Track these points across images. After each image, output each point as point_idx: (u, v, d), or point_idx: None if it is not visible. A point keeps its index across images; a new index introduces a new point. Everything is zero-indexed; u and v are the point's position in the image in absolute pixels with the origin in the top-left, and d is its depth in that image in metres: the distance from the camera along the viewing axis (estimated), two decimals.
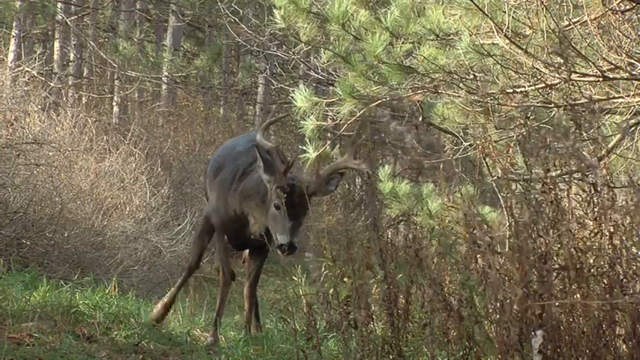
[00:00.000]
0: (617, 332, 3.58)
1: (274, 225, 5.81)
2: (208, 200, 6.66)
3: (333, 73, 9.91)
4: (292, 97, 7.24)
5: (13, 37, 15.55)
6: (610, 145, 6.27)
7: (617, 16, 5.70)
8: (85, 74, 18.14)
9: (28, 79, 12.69)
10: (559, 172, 3.78)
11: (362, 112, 6.83)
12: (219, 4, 15.41)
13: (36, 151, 9.91)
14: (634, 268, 3.65)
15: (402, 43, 6.56)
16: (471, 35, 6.06)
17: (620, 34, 5.73)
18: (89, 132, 12.23)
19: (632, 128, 6.40)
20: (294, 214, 5.70)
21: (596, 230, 3.70)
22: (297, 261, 6.32)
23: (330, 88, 15.39)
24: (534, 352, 3.31)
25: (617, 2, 5.71)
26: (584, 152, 4.02)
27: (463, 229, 3.76)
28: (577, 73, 5.95)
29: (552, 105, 6.22)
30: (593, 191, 3.74)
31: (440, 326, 3.76)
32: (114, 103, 17.59)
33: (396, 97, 6.75)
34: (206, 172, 6.91)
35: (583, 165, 3.78)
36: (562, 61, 5.83)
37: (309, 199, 5.76)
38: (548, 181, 3.71)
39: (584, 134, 4.07)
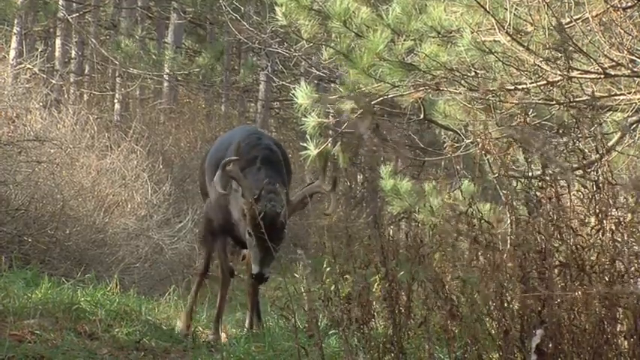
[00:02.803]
0: (618, 329, 3.58)
1: (249, 251, 5.84)
2: (207, 198, 6.62)
3: (335, 70, 9.91)
4: (293, 94, 7.24)
5: (15, 34, 15.54)
6: (611, 143, 6.27)
7: (619, 12, 5.69)
8: (86, 71, 18.14)
9: (30, 77, 12.69)
10: (558, 169, 3.78)
11: (362, 109, 6.83)
12: (220, 1, 15.41)
13: (37, 148, 9.91)
14: (635, 265, 3.64)
15: (404, 40, 6.55)
16: (472, 32, 6.05)
17: (621, 31, 5.72)
18: (90, 129, 12.22)
19: (634, 125, 6.39)
20: (265, 245, 5.58)
21: (597, 227, 3.69)
22: (299, 258, 6.31)
23: (332, 85, 15.41)
24: (531, 351, 3.31)
25: None
26: (585, 149, 4.02)
27: (464, 226, 3.76)
28: (578, 70, 5.95)
29: (553, 102, 6.21)
30: (594, 188, 3.74)
31: (441, 324, 3.76)
32: (115, 101, 17.58)
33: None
34: (202, 167, 6.85)
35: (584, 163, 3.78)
36: (563, 58, 5.82)
37: (282, 227, 5.74)
38: (548, 177, 3.71)
39: (585, 131, 4.06)
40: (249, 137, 6.36)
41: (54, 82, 15.43)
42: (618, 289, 3.46)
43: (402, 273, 3.98)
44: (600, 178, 3.74)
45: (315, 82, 15.71)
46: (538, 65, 5.96)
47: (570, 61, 5.90)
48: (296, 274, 4.99)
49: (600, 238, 3.68)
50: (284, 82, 17.87)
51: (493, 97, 6.26)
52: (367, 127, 3.31)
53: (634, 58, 5.74)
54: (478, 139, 3.81)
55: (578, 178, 3.87)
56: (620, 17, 5.70)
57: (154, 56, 17.00)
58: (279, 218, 5.72)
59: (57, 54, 16.62)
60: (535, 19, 5.84)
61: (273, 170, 6.09)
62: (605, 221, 3.69)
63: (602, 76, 5.88)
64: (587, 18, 5.73)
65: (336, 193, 6.01)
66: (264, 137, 6.54)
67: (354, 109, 6.87)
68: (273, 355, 5.35)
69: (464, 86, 6.39)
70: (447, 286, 3.76)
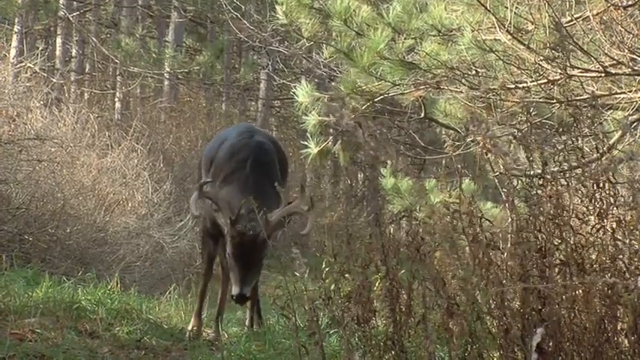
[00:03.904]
0: (618, 327, 3.58)
1: (230, 273, 5.80)
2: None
3: (335, 69, 9.91)
4: (294, 92, 7.24)
5: (16, 33, 15.55)
6: (612, 141, 6.27)
7: (620, 11, 5.69)
8: (87, 70, 18.14)
9: (31, 75, 12.69)
10: (558, 168, 3.79)
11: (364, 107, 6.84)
12: (221, 0, 15.41)
13: (38, 147, 9.92)
14: (636, 263, 3.65)
15: (404, 39, 6.55)
16: (473, 31, 6.06)
17: (622, 29, 5.72)
18: (91, 128, 12.23)
19: (634, 124, 6.39)
20: (245, 265, 5.63)
21: (598, 226, 3.70)
22: (295, 257, 6.30)
23: (333, 83, 15.40)
24: (532, 349, 3.31)
25: None
26: (585, 148, 4.02)
27: (463, 224, 3.76)
28: (578, 68, 5.95)
29: (554, 101, 6.22)
30: (595, 187, 3.74)
31: (441, 322, 3.76)
32: (116, 99, 17.59)
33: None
34: (199, 166, 6.83)
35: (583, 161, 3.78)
36: (563, 56, 5.82)
37: (263, 247, 5.69)
38: (549, 175, 3.71)
39: (586, 130, 4.07)
40: (241, 136, 6.30)
41: (54, 80, 15.43)
42: (618, 282, 3.46)
43: (402, 272, 3.98)
44: (600, 176, 3.74)
45: (316, 80, 15.71)
46: (539, 64, 5.97)
47: (571, 60, 5.90)
48: (297, 273, 4.99)
49: (601, 237, 3.68)
50: (284, 81, 17.89)
51: (494, 95, 6.27)
52: (364, 127, 3.31)
53: (634, 56, 5.74)
54: (479, 138, 3.81)
55: (578, 176, 3.87)
56: (621, 16, 5.70)
57: (154, 55, 17.00)
58: (258, 239, 5.66)
59: (57, 53, 16.63)
60: (536, 17, 5.84)
61: (263, 172, 6.02)
62: (605, 220, 3.69)
63: (603, 74, 5.88)
64: (588, 16, 5.74)
65: (313, 213, 5.93)
66: (256, 135, 6.44)
67: (354, 108, 6.87)
68: (274, 354, 5.35)
69: (465, 85, 6.40)
70: (447, 285, 3.76)
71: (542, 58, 5.92)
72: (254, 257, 5.68)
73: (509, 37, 5.86)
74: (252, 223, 5.64)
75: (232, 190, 5.96)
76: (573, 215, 3.72)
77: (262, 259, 5.84)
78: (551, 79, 6.06)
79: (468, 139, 6.76)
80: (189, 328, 6.15)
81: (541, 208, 3.71)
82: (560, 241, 3.67)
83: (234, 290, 5.66)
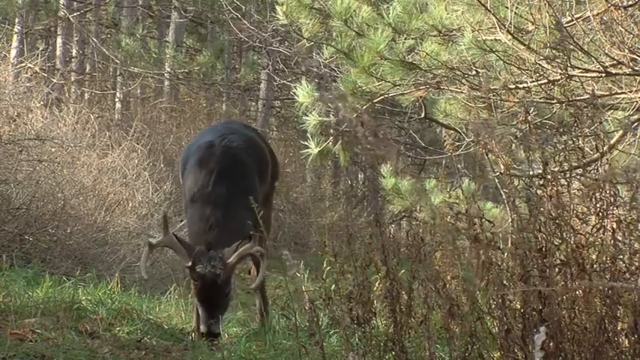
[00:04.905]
0: (619, 327, 3.58)
1: (198, 308, 5.81)
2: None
3: (336, 69, 9.91)
4: (294, 92, 7.24)
5: (16, 33, 15.55)
6: (612, 141, 6.27)
7: (620, 11, 5.69)
8: (87, 70, 18.14)
9: (31, 76, 12.70)
10: (558, 168, 3.79)
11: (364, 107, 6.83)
12: (221, 0, 15.41)
13: (38, 147, 9.91)
14: (636, 263, 3.65)
15: (405, 39, 6.56)
16: (473, 31, 6.06)
17: (622, 29, 5.72)
18: (91, 128, 12.23)
19: (635, 124, 6.40)
20: (210, 304, 5.65)
21: (598, 226, 3.70)
22: (300, 257, 6.33)
23: (333, 84, 15.40)
24: (536, 348, 3.31)
25: None
26: (585, 148, 4.02)
27: (464, 224, 3.76)
28: (579, 68, 5.95)
29: (554, 101, 6.22)
30: (595, 187, 3.74)
31: (442, 323, 3.76)
32: (116, 99, 17.59)
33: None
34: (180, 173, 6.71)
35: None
36: (564, 56, 5.82)
37: (225, 285, 5.68)
38: (549, 176, 3.72)
39: (586, 130, 4.07)
40: (212, 141, 6.15)
41: (55, 80, 15.43)
42: (619, 285, 3.46)
43: (402, 272, 3.99)
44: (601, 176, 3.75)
45: (316, 80, 15.72)
46: (539, 64, 5.97)
47: (571, 60, 5.90)
48: (297, 274, 4.99)
49: (601, 237, 3.68)
50: (285, 81, 17.88)
51: (494, 95, 6.27)
52: (364, 122, 3.31)
53: (635, 56, 5.74)
54: (479, 138, 3.81)
55: (578, 176, 3.87)
56: (621, 16, 5.70)
57: (154, 55, 16.99)
58: (219, 278, 5.65)
59: (58, 53, 16.63)
60: (536, 17, 5.84)
61: (231, 183, 5.92)
62: (605, 220, 3.69)
63: (603, 74, 5.88)
64: (588, 17, 5.74)
65: (266, 258, 5.90)
66: (229, 136, 6.23)
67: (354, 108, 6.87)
68: (274, 354, 5.35)
69: (465, 85, 6.40)
70: (447, 285, 3.76)
71: (542, 58, 5.92)
72: (217, 296, 5.69)
73: (509, 37, 5.87)
74: (212, 263, 5.65)
75: (192, 223, 5.94)
76: (574, 215, 3.73)
77: (227, 295, 5.81)
78: (552, 79, 6.06)
79: (470, 140, 6.77)
80: (193, 333, 6.16)
81: (541, 208, 3.71)
82: (560, 241, 3.68)
83: (203, 329, 5.70)
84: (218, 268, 5.64)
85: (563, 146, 3.84)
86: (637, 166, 3.50)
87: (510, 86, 6.14)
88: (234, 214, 5.82)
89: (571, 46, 5.78)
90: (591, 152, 4.22)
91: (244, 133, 6.61)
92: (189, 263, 5.68)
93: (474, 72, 6.33)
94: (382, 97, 6.90)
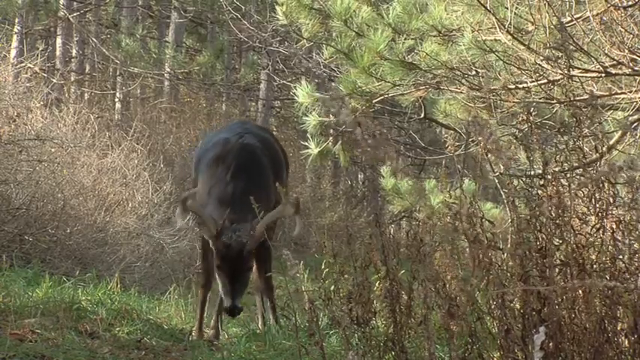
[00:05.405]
0: (618, 327, 3.58)
1: (219, 285, 5.77)
2: None
3: (335, 69, 9.92)
4: (294, 93, 7.24)
5: (16, 33, 15.55)
6: (612, 142, 6.27)
7: (620, 11, 5.69)
8: (87, 70, 18.14)
9: (31, 76, 12.70)
10: (559, 168, 3.79)
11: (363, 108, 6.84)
12: (221, 0, 15.41)
13: (38, 147, 9.91)
14: (636, 263, 3.65)
15: (405, 39, 6.55)
16: (473, 31, 6.06)
17: (622, 30, 5.72)
18: (91, 128, 12.23)
19: (635, 124, 6.40)
20: (234, 276, 5.61)
21: (597, 226, 3.70)
22: (300, 257, 6.33)
23: (333, 84, 15.40)
24: (536, 348, 3.31)
25: None
26: (585, 148, 4.02)
27: (463, 224, 3.76)
28: (579, 68, 5.95)
29: (554, 101, 6.22)
30: (595, 187, 3.74)
31: (441, 323, 3.76)
32: (116, 100, 17.59)
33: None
34: (194, 170, 6.73)
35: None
36: (564, 56, 5.83)
37: (249, 257, 5.68)
38: (549, 176, 3.72)
39: (586, 130, 4.07)
40: (228, 139, 6.20)
41: (55, 81, 15.43)
42: (619, 284, 3.46)
43: (402, 272, 3.98)
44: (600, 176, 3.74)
45: (316, 80, 15.71)
46: (539, 64, 5.97)
47: (571, 60, 5.90)
48: (297, 274, 4.99)
49: (601, 237, 3.68)
50: (285, 81, 17.88)
51: (494, 96, 6.27)
52: (363, 125, 3.31)
53: (635, 56, 5.74)
54: (480, 139, 3.81)
55: (578, 176, 3.87)
56: (621, 16, 5.70)
57: (154, 55, 16.99)
58: (245, 248, 5.65)
59: (58, 53, 16.63)
60: (536, 18, 5.84)
61: (248, 178, 5.96)
62: (605, 220, 3.69)
63: (603, 74, 5.88)
64: (588, 17, 5.74)
65: (300, 215, 5.90)
66: (245, 136, 6.31)
67: (354, 108, 6.87)
68: (274, 354, 5.35)
69: (465, 85, 6.40)
70: (447, 285, 3.76)
71: (542, 58, 5.92)
72: (241, 268, 5.66)
73: (509, 37, 5.87)
74: (238, 233, 5.64)
75: (215, 202, 5.91)
76: (574, 215, 3.73)
77: (250, 269, 5.81)
78: (552, 79, 6.06)
79: (470, 140, 6.77)
80: (193, 335, 6.15)
81: (541, 209, 3.71)
82: (560, 241, 3.68)
83: (227, 302, 5.66)
84: (244, 237, 5.62)
85: (563, 146, 3.84)
86: (632, 164, 3.50)
87: (510, 86, 6.14)
88: (251, 208, 5.80)
89: (571, 47, 5.78)
90: (591, 152, 4.22)
91: (260, 133, 6.69)
92: (215, 232, 5.65)
93: (473, 72, 6.33)
94: (382, 97, 6.90)
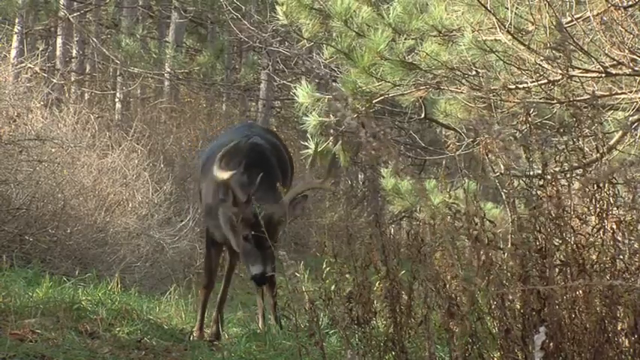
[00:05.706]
0: (619, 327, 3.58)
1: (246, 256, 5.71)
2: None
3: (336, 69, 9.91)
4: (294, 93, 7.24)
5: (16, 33, 15.55)
6: (612, 142, 6.27)
7: (620, 11, 5.69)
8: (87, 70, 18.14)
9: (31, 76, 12.70)
10: (559, 168, 3.79)
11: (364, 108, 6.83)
12: (221, 0, 15.40)
13: (38, 147, 9.91)
14: (636, 263, 3.65)
15: (405, 39, 6.55)
16: (473, 31, 6.05)
17: (622, 30, 5.72)
18: (91, 128, 12.23)
19: (635, 124, 6.40)
20: (263, 245, 5.54)
21: (598, 226, 3.70)
22: (300, 257, 6.33)
23: (333, 84, 15.39)
24: (536, 348, 3.31)
25: None
26: (585, 148, 4.02)
27: (464, 224, 3.76)
28: (579, 68, 5.95)
29: (554, 101, 6.22)
30: (595, 187, 3.74)
31: (442, 323, 3.76)
32: (116, 100, 17.59)
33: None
34: (200, 170, 6.71)
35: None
36: (564, 56, 5.82)
37: (277, 227, 5.67)
38: (549, 176, 3.72)
39: (586, 130, 4.07)
40: (236, 139, 6.20)
41: (55, 81, 15.42)
42: (619, 284, 3.46)
43: (403, 272, 3.99)
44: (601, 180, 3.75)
45: (316, 80, 15.71)
46: (539, 64, 5.97)
47: (571, 60, 5.90)
48: (297, 274, 4.99)
49: (601, 237, 3.68)
50: (285, 81, 17.87)
51: (494, 96, 6.26)
52: (366, 126, 3.31)
53: (635, 56, 5.74)
54: (485, 137, 3.81)
55: (578, 176, 3.87)
56: (621, 16, 5.70)
57: (154, 55, 16.99)
58: (274, 217, 5.65)
59: (58, 53, 16.63)
60: (536, 18, 5.84)
61: (258, 173, 5.93)
62: (605, 220, 3.69)
63: (603, 74, 5.88)
64: (588, 17, 5.73)
65: (330, 184, 5.92)
66: (254, 137, 6.35)
67: (354, 109, 6.86)
68: (274, 354, 5.35)
69: (465, 85, 6.40)
70: (447, 285, 3.76)
71: (542, 58, 5.92)
72: (271, 237, 5.51)
73: (509, 37, 5.86)
74: (266, 205, 5.61)
75: (236, 185, 5.88)
76: (574, 215, 3.73)
77: (277, 240, 5.79)
78: (552, 79, 6.06)
79: (472, 140, 6.76)
80: (194, 335, 6.14)
81: (541, 209, 3.71)
82: (560, 241, 3.68)
83: (258, 269, 5.60)
84: (272, 207, 5.64)
85: (563, 146, 3.84)
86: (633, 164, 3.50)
87: (510, 86, 6.14)
88: (274, 188, 5.75)
89: (571, 47, 5.78)
90: (591, 153, 4.22)
91: (266, 136, 6.73)
92: (245, 199, 5.62)
93: (474, 72, 6.33)
94: (382, 97, 6.89)
